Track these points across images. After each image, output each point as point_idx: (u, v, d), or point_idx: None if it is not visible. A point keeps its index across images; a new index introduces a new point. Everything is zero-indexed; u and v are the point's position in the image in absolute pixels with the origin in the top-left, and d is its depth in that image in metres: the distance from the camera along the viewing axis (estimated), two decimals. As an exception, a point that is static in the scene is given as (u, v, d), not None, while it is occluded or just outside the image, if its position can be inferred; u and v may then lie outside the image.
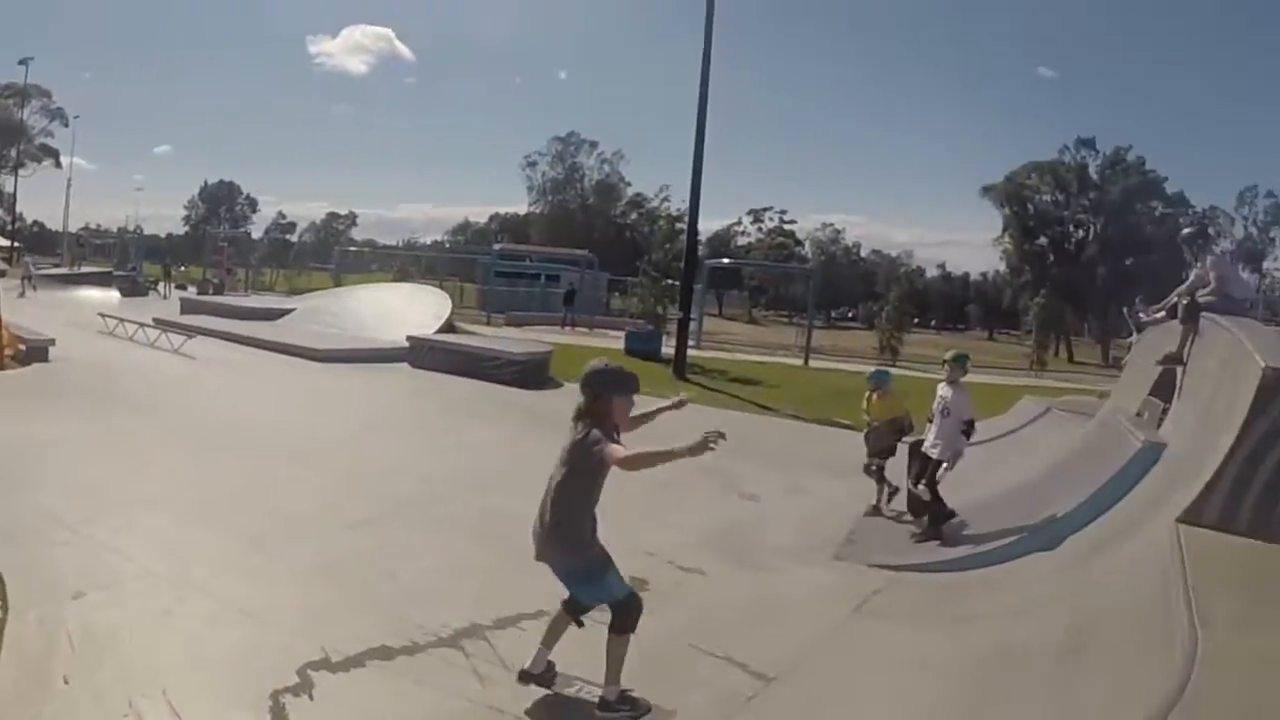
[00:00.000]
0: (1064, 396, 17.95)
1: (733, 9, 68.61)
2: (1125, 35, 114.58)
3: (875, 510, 9.86)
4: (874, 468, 10.04)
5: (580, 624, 5.07)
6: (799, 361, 32.60)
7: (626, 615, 4.86)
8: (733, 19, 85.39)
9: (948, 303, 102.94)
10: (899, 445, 9.94)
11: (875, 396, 10.13)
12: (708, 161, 24.65)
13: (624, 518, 9.29)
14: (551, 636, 5.06)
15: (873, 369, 11.00)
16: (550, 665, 5.05)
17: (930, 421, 9.07)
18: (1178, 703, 3.74)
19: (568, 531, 4.91)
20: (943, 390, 9.06)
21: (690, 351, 26.06)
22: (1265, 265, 78.30)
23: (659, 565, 7.55)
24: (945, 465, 8.88)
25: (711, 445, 4.56)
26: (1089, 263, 71.82)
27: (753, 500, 10.25)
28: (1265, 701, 3.82)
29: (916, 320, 44.15)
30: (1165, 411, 9.56)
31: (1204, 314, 9.49)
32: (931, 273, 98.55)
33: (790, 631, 6.11)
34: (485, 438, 12.97)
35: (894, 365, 27.85)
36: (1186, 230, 13.07)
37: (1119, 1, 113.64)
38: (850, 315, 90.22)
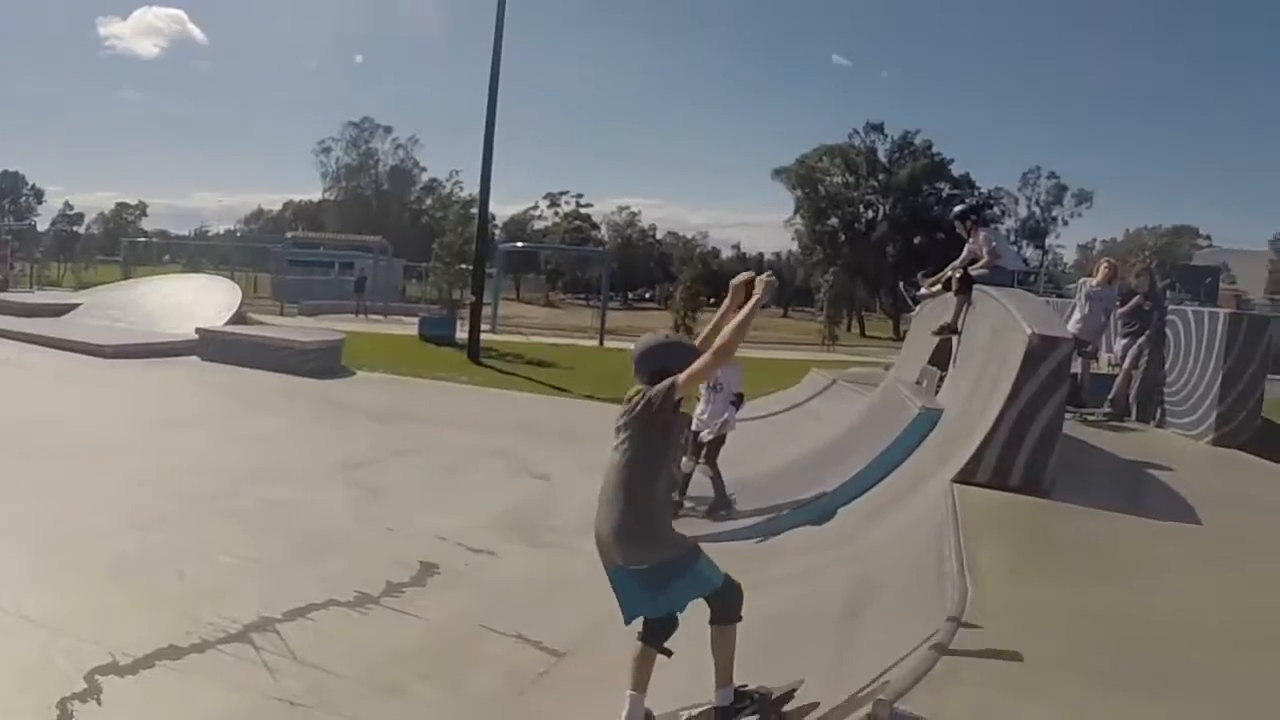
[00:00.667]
0: (851, 369, 18.83)
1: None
2: (918, 25, 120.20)
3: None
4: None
5: (669, 653, 4.32)
6: (594, 343, 33.05)
7: (730, 602, 4.33)
8: (528, 2, 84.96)
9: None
10: None
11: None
12: (504, 146, 24.68)
13: (412, 501, 9.35)
14: (642, 679, 4.29)
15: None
16: (650, 715, 4.37)
17: (698, 399, 9.31)
18: (945, 651, 3.95)
19: (651, 519, 4.31)
20: None
21: (486, 336, 26.12)
22: (1047, 242, 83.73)
23: (449, 548, 7.58)
24: (710, 430, 9.13)
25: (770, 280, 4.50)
26: (879, 241, 75.41)
27: (544, 480, 10.34)
28: (1026, 645, 4.08)
29: (711, 300, 45.26)
30: (942, 379, 10.14)
31: (976, 286, 10.07)
32: (727, 254, 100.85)
33: (582, 607, 6.18)
34: (275, 428, 12.71)
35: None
36: (958, 207, 13.99)
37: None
38: (647, 296, 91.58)
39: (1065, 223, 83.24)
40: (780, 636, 5.49)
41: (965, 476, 6.89)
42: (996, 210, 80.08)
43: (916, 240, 70.20)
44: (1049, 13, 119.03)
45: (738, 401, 9.21)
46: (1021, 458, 6.98)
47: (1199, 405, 11.37)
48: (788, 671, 4.67)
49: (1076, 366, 11.79)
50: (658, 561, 4.25)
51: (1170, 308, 12.71)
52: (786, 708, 4.43)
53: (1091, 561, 5.71)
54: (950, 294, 10.59)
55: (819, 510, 8.03)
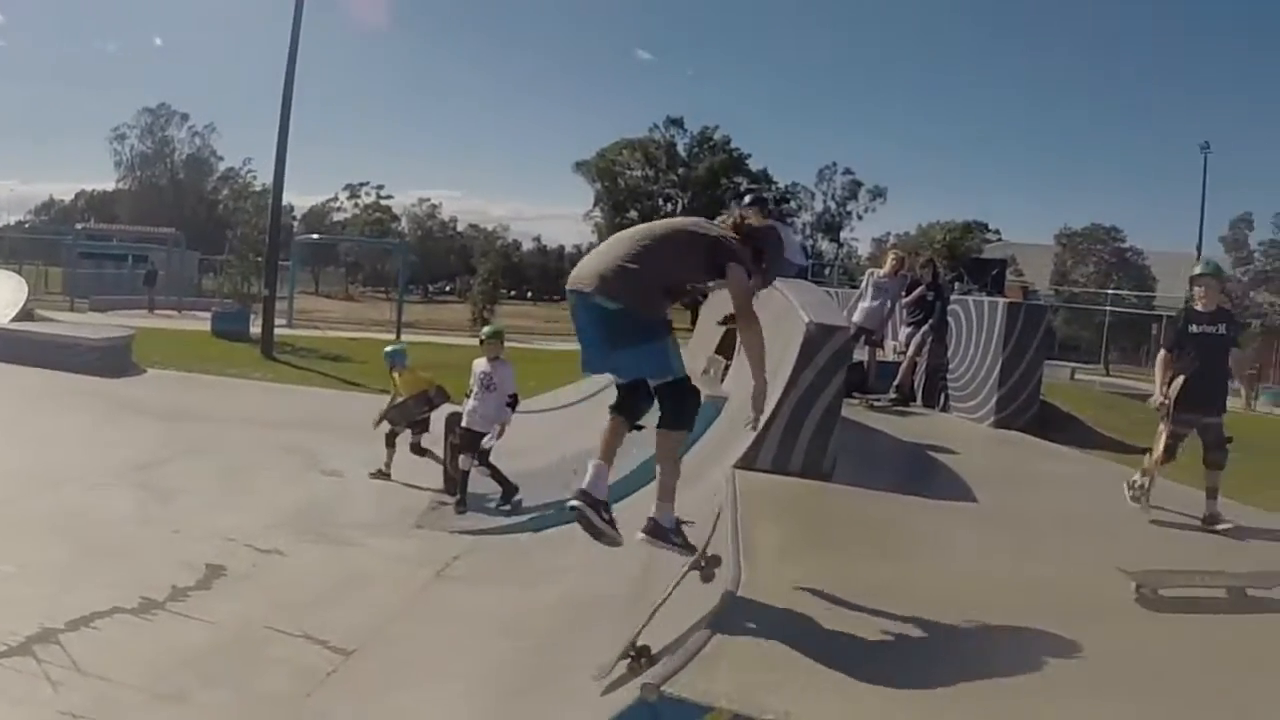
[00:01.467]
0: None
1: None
2: (720, 22, 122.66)
3: (381, 474, 10.09)
4: (413, 445, 10.34)
5: (639, 427, 4.68)
6: (391, 337, 32.36)
7: (684, 404, 4.56)
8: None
9: (544, 275, 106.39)
10: (430, 417, 10.32)
11: (397, 375, 10.32)
12: (304, 136, 24.25)
13: (201, 502, 9.01)
14: (609, 450, 4.65)
15: (388, 349, 11.03)
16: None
17: (469, 396, 9.30)
18: (716, 631, 3.97)
19: (659, 287, 4.51)
20: (483, 365, 9.30)
21: (281, 331, 25.76)
22: (842, 235, 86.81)
23: (236, 549, 7.42)
24: (492, 436, 9.17)
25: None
26: (677, 234, 76.91)
27: (336, 476, 10.22)
28: (796, 623, 4.15)
29: (512, 293, 45.16)
30: (728, 368, 10.31)
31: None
32: (528, 246, 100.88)
33: (371, 603, 6.15)
34: (60, 430, 12.10)
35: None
36: (748, 197, 14.31)
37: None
38: (448, 289, 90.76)
39: (860, 217, 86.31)
40: (572, 620, 5.55)
41: (747, 462, 7.03)
42: (793, 204, 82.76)
43: (715, 233, 71.98)
44: (849, 12, 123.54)
45: (513, 402, 9.28)
46: (801, 443, 7.17)
47: (980, 390, 12.03)
48: (579, 655, 4.68)
49: (863, 354, 12.25)
50: (630, 309, 4.38)
51: (953, 297, 13.34)
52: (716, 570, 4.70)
53: (866, 540, 5.92)
54: None
55: (619, 491, 8.04)
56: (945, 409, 12.75)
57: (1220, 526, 7.05)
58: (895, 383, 12.54)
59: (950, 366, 12.91)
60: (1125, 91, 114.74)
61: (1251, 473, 12.59)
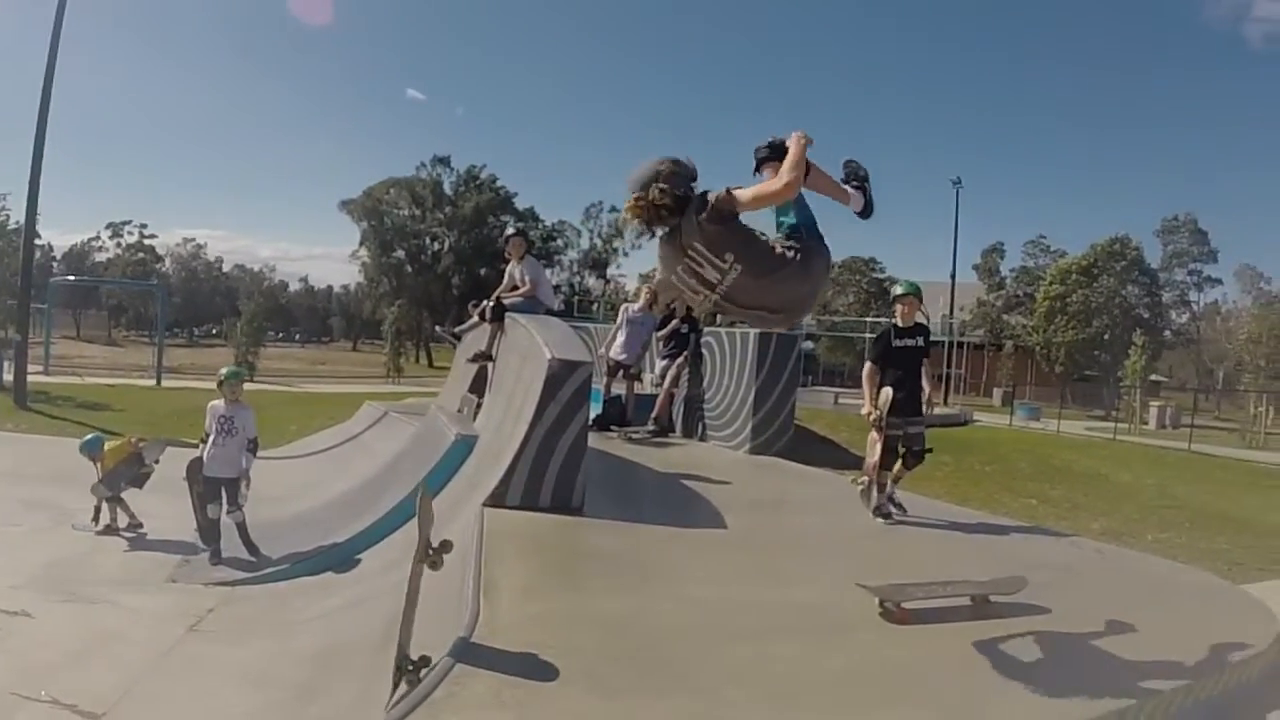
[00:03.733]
0: (405, 400, 18.89)
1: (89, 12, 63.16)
2: (491, 61, 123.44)
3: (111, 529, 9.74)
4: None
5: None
6: (153, 382, 31.22)
7: None
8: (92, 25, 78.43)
9: (312, 315, 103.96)
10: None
11: (97, 463, 9.95)
12: (64, 172, 22.91)
13: None
14: None
15: (80, 443, 10.45)
16: None
17: (205, 440, 9.06)
18: (448, 672, 4.01)
19: None
20: (221, 408, 9.07)
21: (36, 378, 24.33)
22: (609, 272, 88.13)
23: None
24: (244, 489, 8.97)
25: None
26: (444, 273, 76.56)
27: (85, 532, 9.60)
28: (534, 660, 4.22)
29: (279, 334, 43.92)
30: (480, 405, 10.37)
31: (510, 314, 10.45)
32: (295, 287, 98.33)
33: (122, 663, 5.90)
34: None
35: (252, 379, 27.46)
36: (509, 230, 14.64)
37: (484, 31, 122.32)
38: (215, 331, 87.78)
39: (626, 254, 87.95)
40: (327, 667, 5.51)
41: (496, 500, 7.08)
42: (560, 242, 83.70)
43: (482, 272, 71.96)
44: (617, 52, 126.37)
45: (253, 447, 9.07)
46: (549, 478, 7.28)
47: (736, 418, 12.47)
48: (333, 703, 4.74)
49: (621, 388, 12.51)
50: None
51: (706, 329, 13.78)
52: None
53: (611, 573, 6.03)
54: (487, 322, 10.95)
55: (332, 559, 8.03)
56: (703, 438, 13.14)
57: (894, 516, 8.14)
58: (653, 414, 12.88)
59: (706, 396, 13.33)
60: (882, 126, 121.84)
61: (1002, 481, 13.58)
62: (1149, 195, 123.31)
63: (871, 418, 8.13)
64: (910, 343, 8.27)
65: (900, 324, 8.33)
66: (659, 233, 4.46)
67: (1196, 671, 4.61)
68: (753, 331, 12.59)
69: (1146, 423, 41.29)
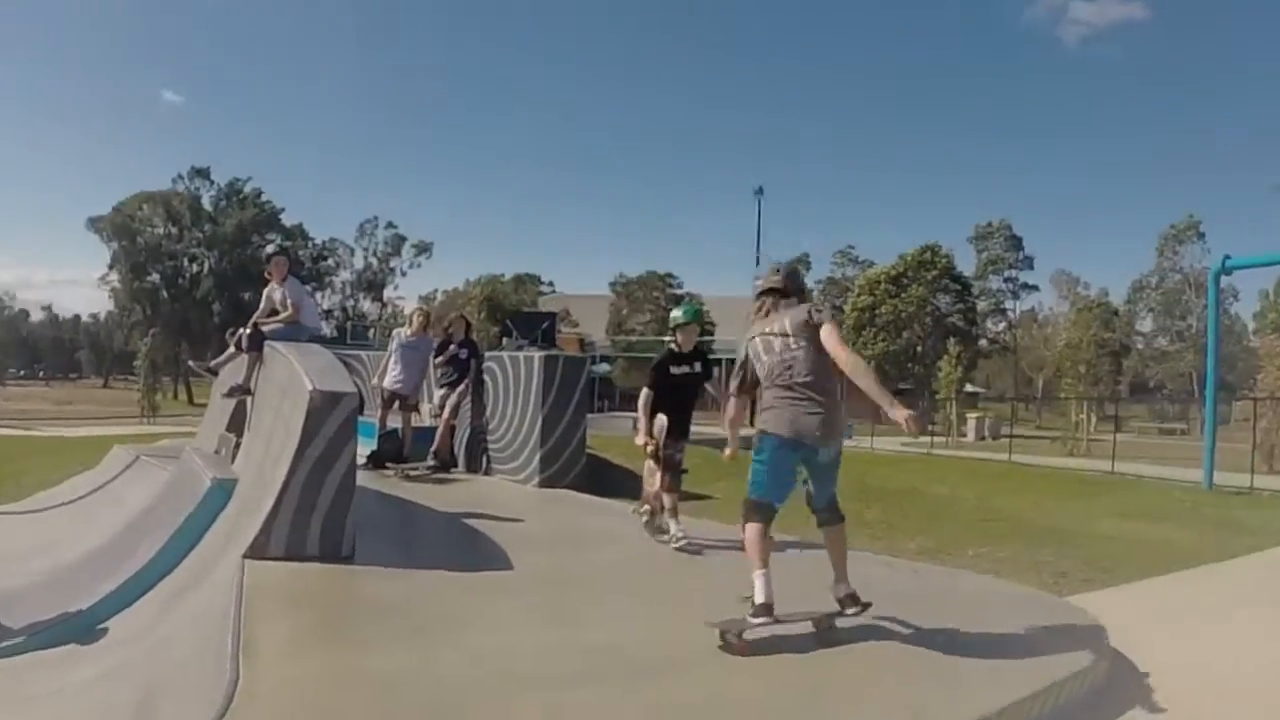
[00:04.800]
0: (160, 441, 18.01)
1: None
2: (260, 60, 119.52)
3: None
4: None
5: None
6: None
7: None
8: None
9: (58, 349, 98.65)
10: None
11: None
12: None
13: None
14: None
15: None
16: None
17: None
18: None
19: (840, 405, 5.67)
20: None
21: None
22: (386, 294, 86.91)
23: None
24: None
25: None
26: (204, 298, 73.77)
27: None
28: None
29: (23, 372, 41.23)
30: (239, 445, 9.92)
31: (269, 342, 10.00)
32: (38, 316, 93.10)
33: None
34: None
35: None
36: (269, 249, 14.11)
37: (247, 28, 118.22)
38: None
39: (404, 274, 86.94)
40: None
41: (257, 551, 6.69)
42: (331, 262, 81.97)
43: (246, 296, 69.79)
44: (397, 61, 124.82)
45: None
46: (315, 524, 6.94)
47: (523, 449, 12.33)
48: None
49: (397, 421, 12.21)
50: (839, 446, 5.84)
51: (488, 354, 13.60)
52: None
53: (387, 625, 5.77)
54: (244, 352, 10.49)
55: (77, 627, 7.47)
56: (489, 472, 12.96)
57: (671, 540, 8.21)
58: (433, 448, 12.57)
59: (490, 426, 13.14)
60: (679, 133, 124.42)
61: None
62: (962, 203, 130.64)
63: (649, 449, 8.26)
64: (688, 369, 8.46)
65: (678, 350, 8.47)
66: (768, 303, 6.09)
67: (1029, 688, 4.81)
68: (537, 354, 12.49)
69: (965, 435, 43.29)
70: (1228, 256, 21.35)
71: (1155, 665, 5.97)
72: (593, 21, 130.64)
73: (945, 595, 7.23)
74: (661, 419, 8.22)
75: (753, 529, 5.55)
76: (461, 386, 12.83)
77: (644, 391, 8.34)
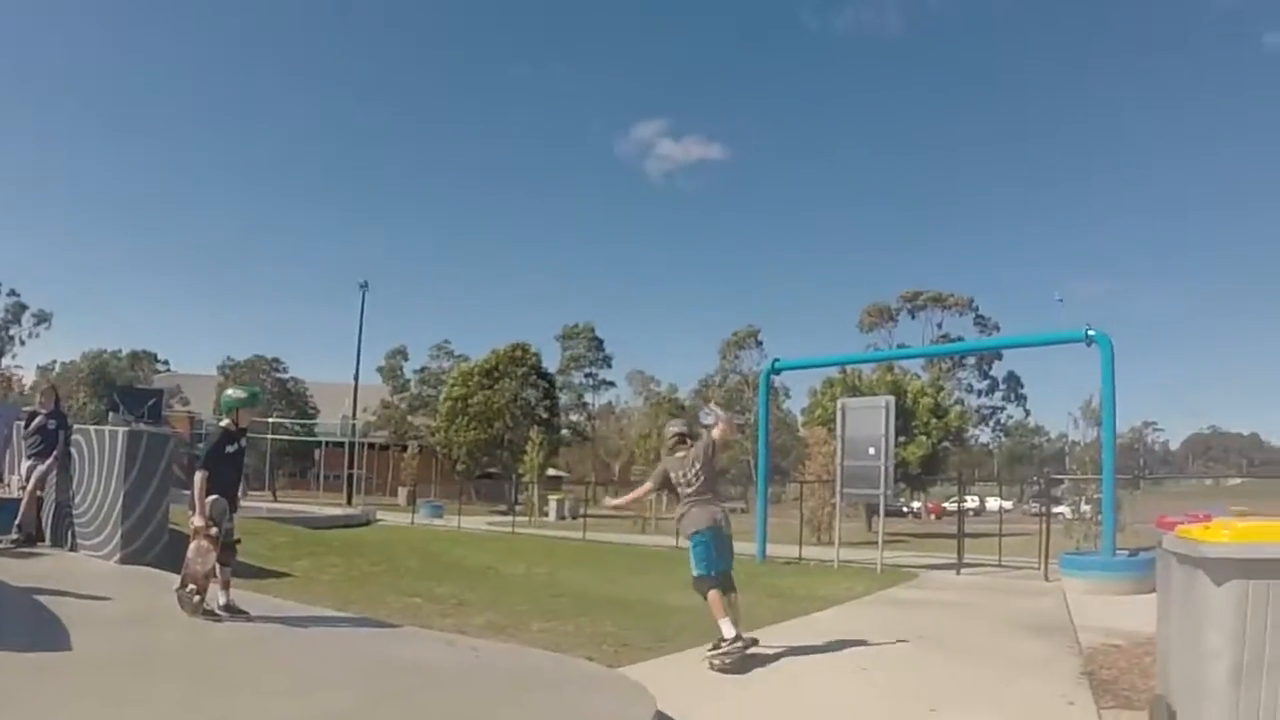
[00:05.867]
0: None
1: None
2: None
3: None
4: None
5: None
6: None
7: None
8: None
9: None
10: None
11: None
12: None
13: None
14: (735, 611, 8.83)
15: None
16: None
17: None
18: None
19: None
20: None
21: None
22: (4, 362, 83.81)
23: None
24: None
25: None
26: None
27: None
28: None
29: None
30: None
31: None
32: None
33: None
34: None
35: None
36: None
37: None
38: None
39: (23, 343, 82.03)
40: None
41: None
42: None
43: None
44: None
45: None
46: None
47: (106, 524, 12.35)
48: None
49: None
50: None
51: (76, 426, 13.51)
52: None
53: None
54: None
55: None
56: (74, 548, 12.84)
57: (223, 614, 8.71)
58: (17, 521, 12.53)
59: (76, 500, 13.05)
60: (284, 224, 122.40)
61: (389, 581, 14.17)
62: (550, 304, 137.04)
63: (209, 530, 8.54)
64: (238, 446, 9.18)
65: (234, 429, 9.12)
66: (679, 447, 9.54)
67: None
68: (121, 430, 12.53)
69: (547, 514, 45.67)
70: (777, 359, 24.68)
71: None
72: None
73: (496, 672, 7.55)
74: (221, 501, 8.77)
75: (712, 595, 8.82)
76: (51, 458, 12.74)
77: (199, 474, 8.69)
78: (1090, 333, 17.71)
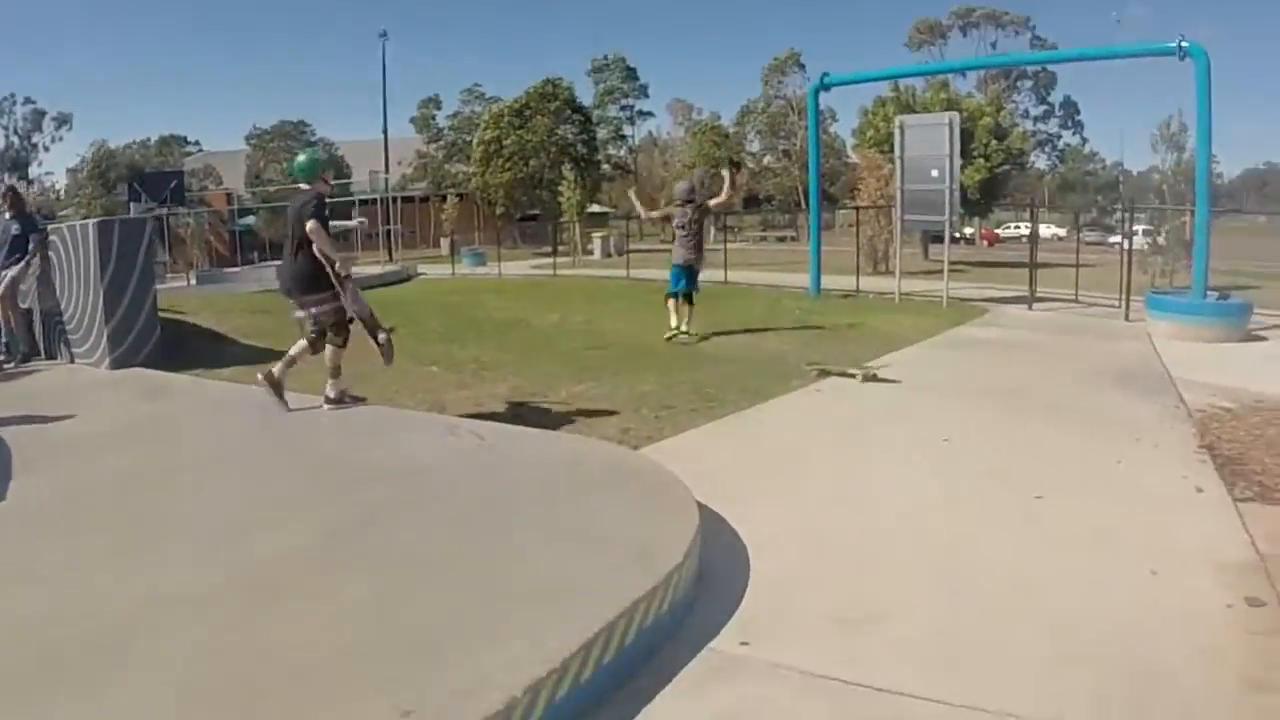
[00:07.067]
0: None
1: None
2: None
3: None
4: None
5: None
6: None
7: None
8: None
9: None
10: None
11: None
12: None
13: None
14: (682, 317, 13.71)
15: None
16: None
17: None
18: None
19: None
20: None
21: None
22: (33, 172, 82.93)
23: None
24: None
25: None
26: None
27: None
28: None
29: None
30: None
31: None
32: None
33: None
34: None
35: None
36: None
37: None
38: None
39: (47, 149, 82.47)
40: None
41: None
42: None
43: None
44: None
45: None
46: None
47: (91, 329, 11.40)
48: None
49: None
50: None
51: (50, 228, 12.44)
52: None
53: None
54: None
55: None
56: (73, 360, 11.89)
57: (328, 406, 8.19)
58: (3, 341, 11.78)
59: (62, 307, 12.03)
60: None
61: (408, 347, 12.94)
62: (579, 38, 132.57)
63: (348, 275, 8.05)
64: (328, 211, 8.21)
65: (324, 191, 8.27)
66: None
67: (606, 604, 3.91)
68: (91, 223, 11.40)
69: (591, 253, 45.10)
70: (826, 73, 22.04)
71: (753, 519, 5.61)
72: None
73: (509, 467, 6.24)
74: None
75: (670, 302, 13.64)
76: (28, 267, 11.68)
77: (315, 223, 7.77)
78: (1184, 44, 15.83)
